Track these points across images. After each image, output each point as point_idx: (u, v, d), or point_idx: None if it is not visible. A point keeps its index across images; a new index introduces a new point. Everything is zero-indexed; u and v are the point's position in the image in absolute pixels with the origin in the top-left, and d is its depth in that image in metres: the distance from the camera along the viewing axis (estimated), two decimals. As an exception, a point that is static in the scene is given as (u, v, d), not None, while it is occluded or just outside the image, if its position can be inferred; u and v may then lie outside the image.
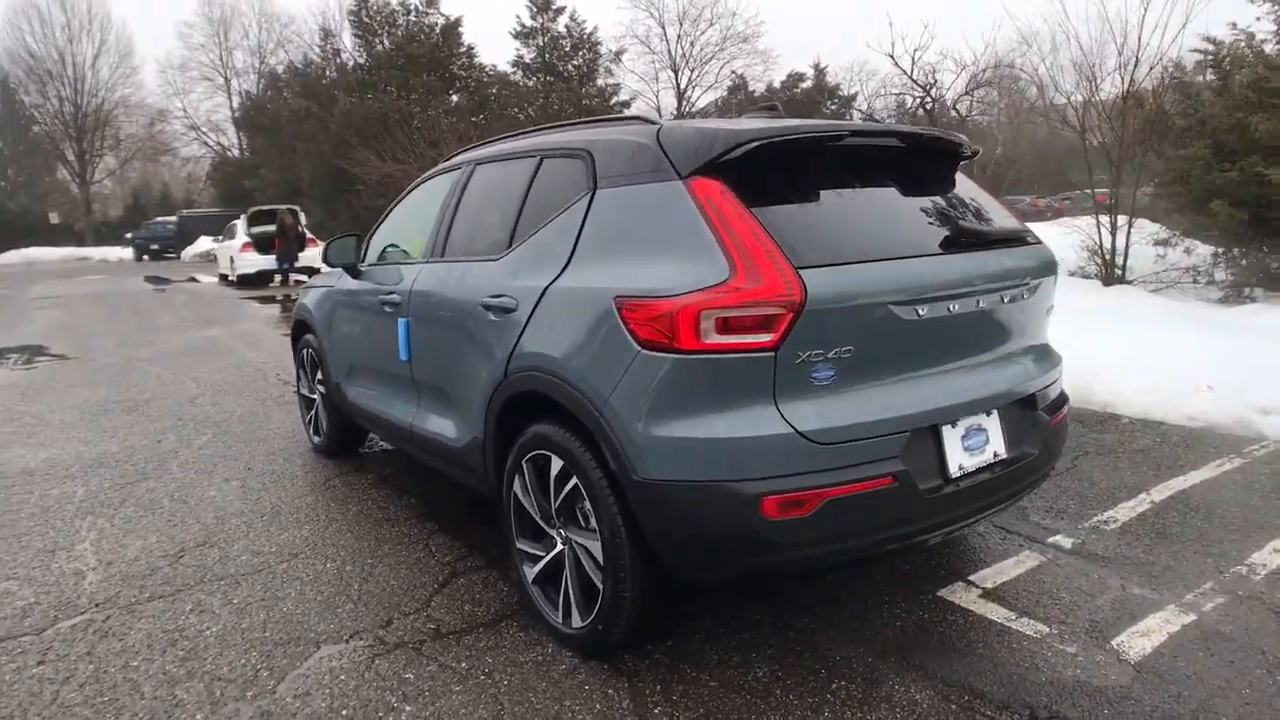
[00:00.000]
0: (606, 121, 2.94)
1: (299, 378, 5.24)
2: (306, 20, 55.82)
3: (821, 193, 2.42)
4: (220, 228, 23.04)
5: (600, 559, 2.44)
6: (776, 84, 39.61)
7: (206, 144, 45.63)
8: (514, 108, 32.70)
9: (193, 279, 21.29)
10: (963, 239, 2.50)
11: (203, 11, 55.64)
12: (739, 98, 40.70)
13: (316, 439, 4.99)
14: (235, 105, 44.19)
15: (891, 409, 2.26)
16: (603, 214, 2.59)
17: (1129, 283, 8.86)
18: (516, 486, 2.80)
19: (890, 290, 2.24)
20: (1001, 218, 2.83)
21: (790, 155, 2.39)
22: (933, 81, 11.37)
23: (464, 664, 2.62)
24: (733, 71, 40.62)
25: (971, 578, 3.09)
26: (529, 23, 32.78)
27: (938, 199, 2.72)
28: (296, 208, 19.93)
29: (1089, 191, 9.40)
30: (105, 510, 4.09)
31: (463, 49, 31.79)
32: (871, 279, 2.23)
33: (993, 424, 2.55)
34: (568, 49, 34.07)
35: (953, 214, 2.62)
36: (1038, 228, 11.24)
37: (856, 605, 2.91)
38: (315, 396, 4.91)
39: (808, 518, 2.14)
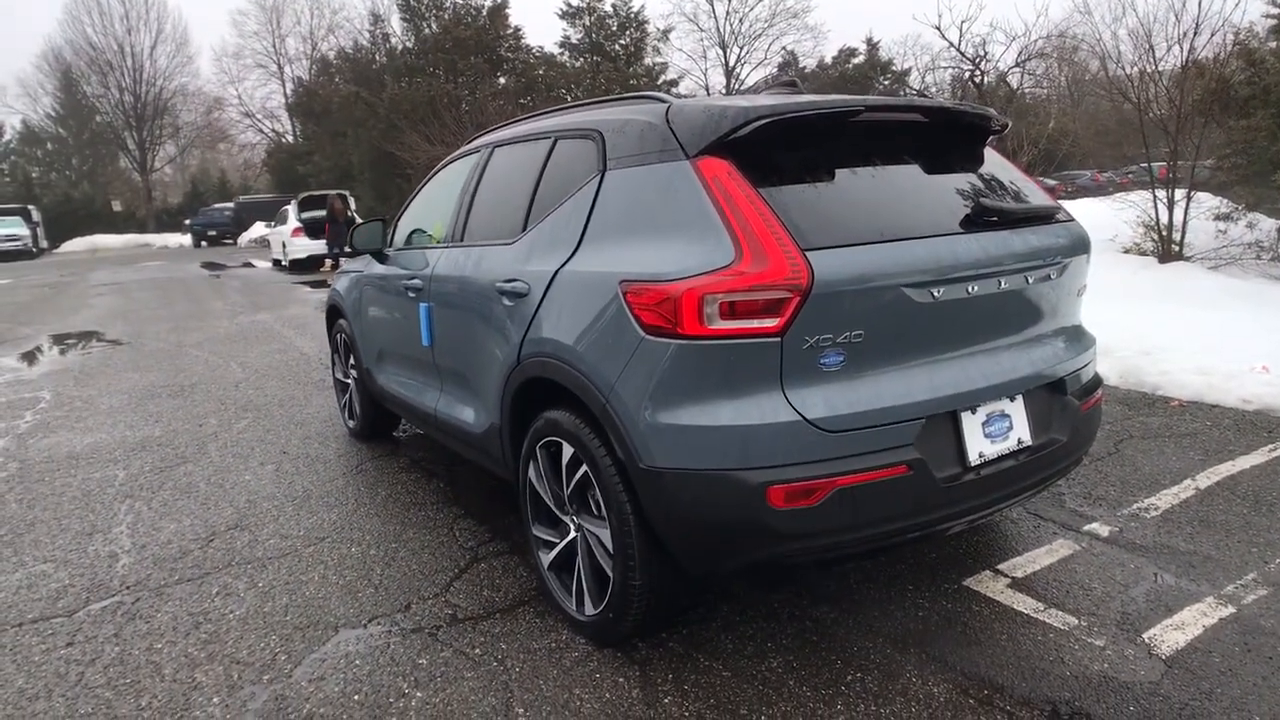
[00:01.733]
0: (618, 101, 2.88)
1: (333, 362, 5.31)
2: (356, 6, 56.34)
3: (835, 171, 2.33)
4: (274, 213, 23.54)
5: (610, 547, 2.41)
6: (828, 59, 38.82)
7: (261, 131, 46.59)
8: (561, 89, 32.63)
9: (248, 264, 21.79)
10: (985, 217, 2.39)
11: (255, -1, 56.71)
12: (789, 75, 39.98)
13: (351, 423, 5.06)
14: (288, 92, 44.96)
15: (905, 395, 2.18)
16: (612, 196, 2.54)
17: (1187, 259, 8.47)
18: (531, 473, 2.79)
19: (903, 272, 2.15)
20: (1030, 194, 2.70)
21: (803, 133, 2.30)
22: (983, 54, 10.97)
23: (478, 650, 2.63)
24: (783, 48, 39.89)
25: (1000, 567, 2.99)
26: (575, 2, 32.62)
27: (962, 175, 2.61)
28: (346, 193, 20.24)
29: (1145, 166, 8.99)
30: (143, 494, 4.21)
31: (509, 30, 31.78)
32: (882, 260, 2.14)
33: (1017, 410, 2.44)
34: (614, 28, 33.84)
35: (976, 191, 2.50)
36: (1096, 203, 10.82)
37: (878, 595, 2.84)
38: (349, 381, 4.97)
39: (816, 507, 2.08)
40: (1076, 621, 2.60)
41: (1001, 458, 2.38)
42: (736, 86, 36.87)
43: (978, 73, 10.93)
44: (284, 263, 19.46)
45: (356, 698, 2.41)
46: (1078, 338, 2.75)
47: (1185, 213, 8.45)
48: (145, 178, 44.65)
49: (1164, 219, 8.55)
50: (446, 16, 30.52)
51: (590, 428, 2.42)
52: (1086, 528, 3.28)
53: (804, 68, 40.28)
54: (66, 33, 43.55)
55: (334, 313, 5.04)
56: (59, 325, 11.09)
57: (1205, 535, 3.16)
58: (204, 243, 34.00)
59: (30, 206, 34.22)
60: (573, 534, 2.65)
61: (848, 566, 3.03)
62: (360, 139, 29.88)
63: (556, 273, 2.59)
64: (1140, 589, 2.79)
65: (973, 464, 2.31)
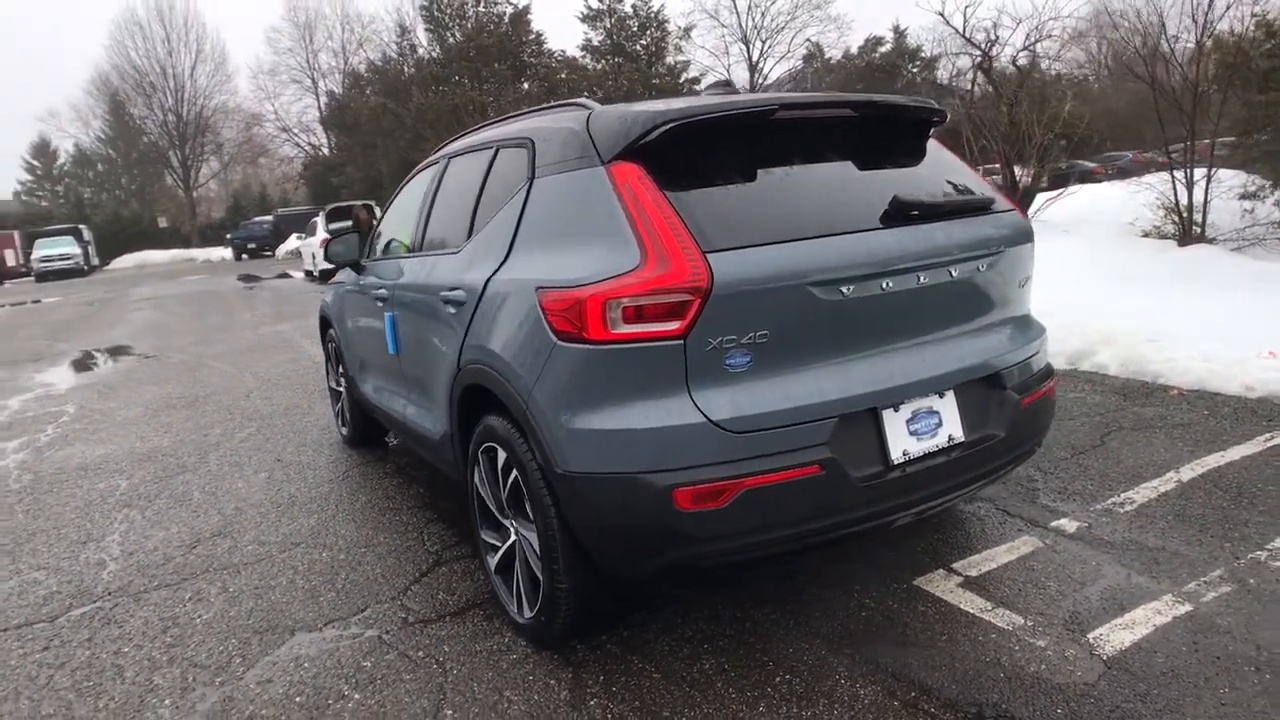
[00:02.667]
0: (552, 109, 2.90)
1: (327, 371, 5.43)
2: (384, 19, 57.33)
3: (749, 171, 2.32)
4: (308, 225, 24.07)
5: (539, 551, 2.44)
6: (853, 49, 38.35)
7: (298, 145, 47.62)
8: (583, 91, 32.83)
9: (283, 275, 22.30)
10: (907, 211, 2.35)
11: (288, 16, 58.07)
12: (815, 66, 39.61)
13: (344, 430, 5.16)
14: (322, 105, 45.89)
15: (816, 394, 2.16)
16: (538, 203, 2.57)
17: (1209, 241, 8.20)
18: (476, 478, 2.83)
19: (807, 271, 2.13)
20: (966, 187, 2.65)
21: (715, 135, 2.30)
22: (994, 38, 10.72)
23: (420, 652, 2.67)
24: (808, 40, 39.49)
25: (955, 565, 2.94)
26: (596, 5, 32.80)
27: (894, 170, 2.58)
28: (372, 203, 20.60)
29: (1167, 146, 8.71)
30: (140, 503, 4.36)
31: (531, 36, 32.11)
32: (785, 260, 2.12)
33: (947, 406, 2.40)
34: (635, 29, 33.94)
35: (902, 185, 2.47)
36: (1114, 187, 10.51)
37: (824, 594, 2.81)
38: (340, 389, 5.08)
39: (725, 509, 2.08)
40: (1022, 621, 2.55)
41: (930, 455, 2.34)
42: (760, 82, 36.61)
43: (985, 58, 10.69)
44: (314, 273, 19.87)
45: (299, 699, 2.48)
46: (1021, 329, 2.69)
47: (1205, 193, 8.17)
48: (189, 194, 45.99)
49: (1184, 200, 8.28)
50: (469, 25, 30.94)
51: (519, 432, 2.44)
52: (1054, 524, 3.21)
53: (829, 59, 39.84)
54: (112, 57, 44.95)
55: (324, 323, 5.15)
56: (94, 340, 11.49)
57: (1178, 530, 3.07)
58: (244, 255, 34.87)
59: (81, 226, 35.49)
60: (512, 538, 2.68)
61: (795, 564, 3.01)
62: (389, 149, 30.43)
63: (488, 281, 2.63)
64: (1097, 587, 2.72)
65: (896, 462, 2.28)
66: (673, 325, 2.05)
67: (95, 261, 36.03)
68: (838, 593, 2.82)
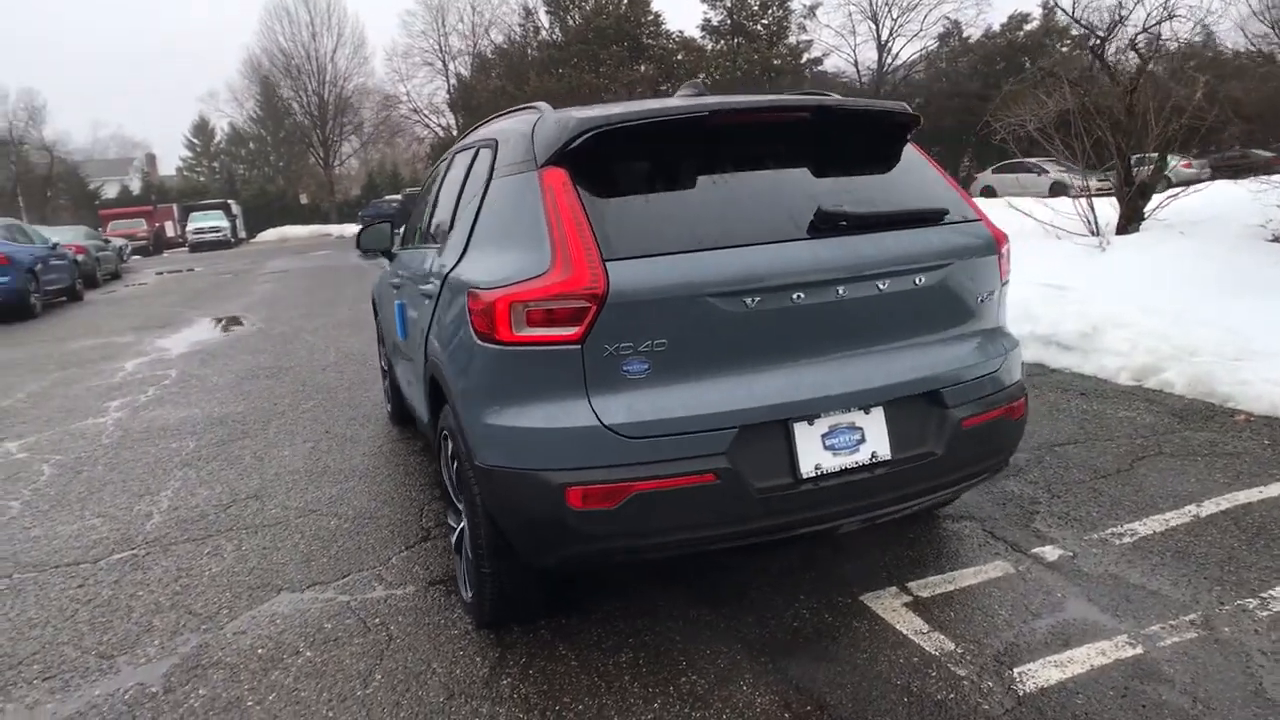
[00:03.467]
0: (518, 111, 2.99)
1: (380, 351, 5.78)
2: (512, 1, 58.74)
3: (674, 179, 2.35)
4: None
5: (469, 535, 2.58)
6: (995, 28, 36.28)
7: (428, 125, 49.74)
8: (700, 73, 32.68)
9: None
10: (835, 222, 2.31)
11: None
12: (950, 46, 37.76)
13: (388, 407, 5.49)
14: (450, 88, 47.73)
15: (716, 404, 2.18)
16: (491, 204, 2.68)
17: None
18: (441, 461, 3.00)
19: (706, 281, 2.14)
20: (924, 195, 2.56)
21: (643, 141, 2.34)
22: (1120, 18, 9.91)
23: (377, 620, 2.87)
24: (944, 17, 37.57)
25: (911, 583, 2.87)
26: (717, -17, 32.48)
27: (849, 177, 2.53)
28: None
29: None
30: (198, 463, 4.82)
31: (650, 17, 32.18)
32: (683, 270, 2.15)
33: (873, 422, 2.35)
34: (756, 7, 33.39)
35: (838, 194, 2.42)
36: (1235, 185, 9.55)
37: (765, 600, 2.82)
38: (384, 368, 5.41)
39: (615, 510, 2.14)
40: (952, 648, 2.48)
41: (848, 470, 2.31)
42: (889, 64, 35.21)
43: (1098, 40, 9.92)
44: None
45: (260, 651, 2.73)
46: (979, 346, 2.59)
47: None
48: (329, 172, 48.94)
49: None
50: (588, 7, 31.24)
51: (457, 424, 2.58)
52: (1036, 550, 3.06)
53: (967, 37, 37.82)
54: (262, 41, 48.35)
55: (374, 305, 5.49)
56: (217, 310, 12.56)
57: (1170, 568, 2.87)
58: (373, 232, 36.73)
59: (230, 201, 38.57)
60: (463, 521, 2.83)
61: (751, 568, 3.01)
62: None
63: (445, 277, 2.77)
64: (1049, 620, 2.60)
65: (807, 476, 2.27)
66: (571, 331, 2.13)
67: (242, 235, 39.07)
68: (780, 600, 2.82)
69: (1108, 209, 9.89)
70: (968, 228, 2.55)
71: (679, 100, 2.57)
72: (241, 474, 4.56)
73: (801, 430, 2.27)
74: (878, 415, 2.36)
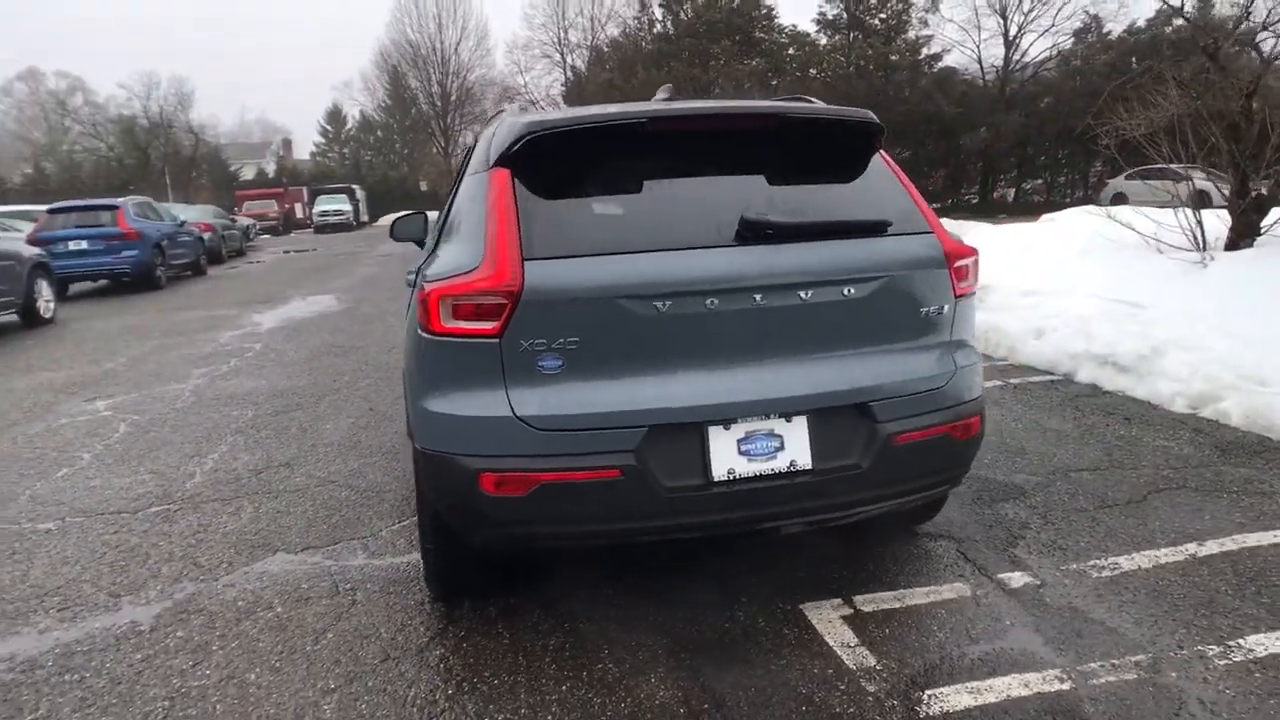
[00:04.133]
0: (503, 113, 3.12)
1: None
2: (633, -7, 59.25)
3: (607, 182, 2.43)
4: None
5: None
6: (1140, 22, 33.84)
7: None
8: (811, 68, 32.12)
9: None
10: (760, 231, 2.33)
11: (546, -8, 61.85)
12: (1086, 42, 35.53)
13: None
14: (566, 80, 48.70)
15: (625, 403, 2.25)
16: (457, 202, 2.85)
17: None
18: None
19: (616, 284, 2.21)
20: (868, 206, 2.53)
21: (582, 145, 2.42)
22: (1245, 11, 9.13)
23: (348, 585, 3.10)
24: (1083, 10, 35.24)
25: (858, 596, 2.85)
26: (834, -26, 31.78)
27: (795, 185, 2.54)
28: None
29: None
30: (251, 431, 5.23)
31: (762, 11, 31.82)
32: (595, 272, 2.22)
33: (794, 431, 2.36)
34: (874, 2, 32.43)
35: (779, 203, 2.43)
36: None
37: (706, 600, 2.86)
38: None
39: (523, 498, 2.25)
40: (872, 664, 2.46)
41: (764, 477, 2.34)
42: (1018, 61, 33.44)
43: (1211, 41, 9.16)
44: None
45: (239, 604, 3.00)
46: (918, 361, 2.53)
47: None
48: (448, 160, 50.93)
49: None
50: (700, 1, 31.15)
51: None
52: (1002, 575, 2.97)
53: (1107, 33, 35.44)
54: (392, 33, 50.85)
55: (418, 292, 5.78)
56: (316, 289, 13.40)
57: (1139, 606, 2.73)
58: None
59: (355, 186, 40.76)
60: (428, 500, 3.01)
61: (710, 567, 3.05)
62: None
63: (419, 270, 2.94)
64: (986, 647, 2.53)
65: (719, 479, 2.31)
66: (490, 325, 2.25)
67: (364, 218, 41.24)
68: (721, 601, 2.85)
69: (1219, 223, 9.17)
70: (913, 240, 2.50)
71: (631, 106, 2.63)
72: (283, 443, 4.93)
73: (716, 434, 2.31)
74: (800, 424, 2.37)
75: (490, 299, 2.23)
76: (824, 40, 31.67)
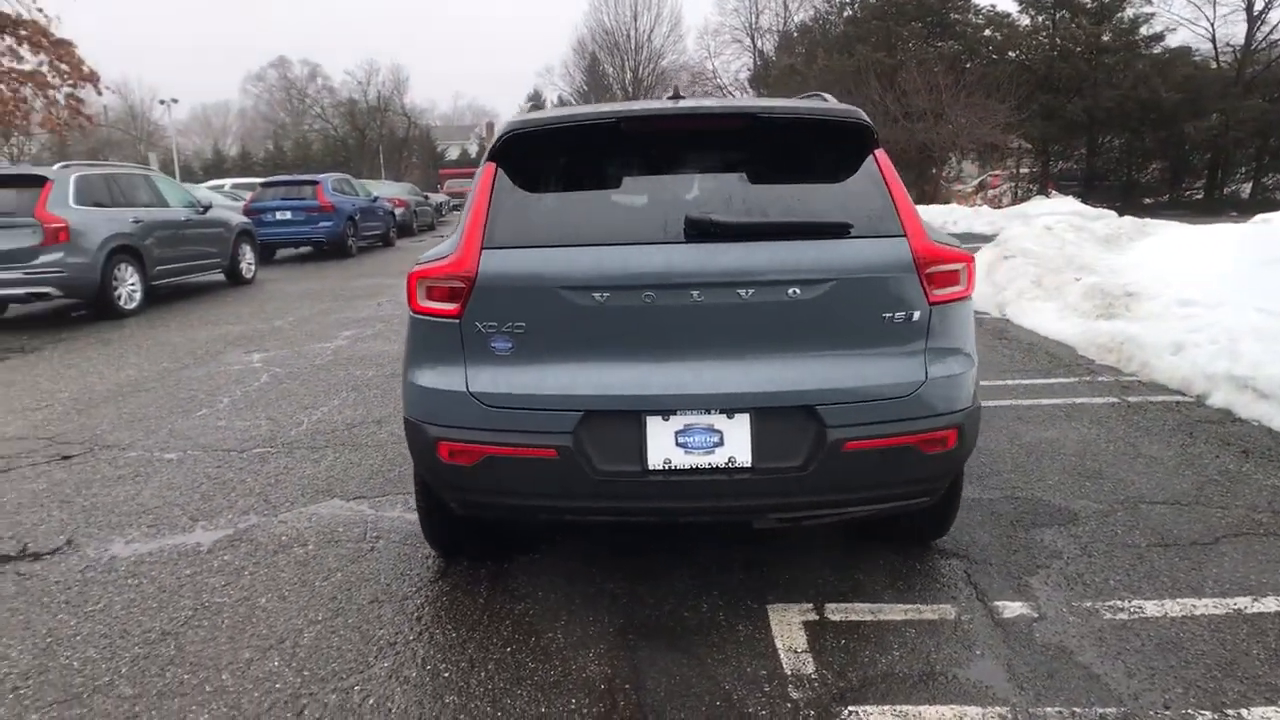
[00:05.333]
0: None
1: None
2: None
3: (572, 178, 2.53)
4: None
5: None
6: None
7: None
8: (1010, 50, 29.78)
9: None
10: (705, 229, 2.33)
11: (738, -23, 61.29)
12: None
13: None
14: (754, 65, 48.21)
15: (563, 387, 2.35)
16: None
17: None
18: None
19: (555, 274, 2.31)
20: (834, 207, 2.46)
21: (557, 142, 2.54)
22: None
23: (375, 533, 3.43)
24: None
25: (831, 604, 2.79)
26: (1040, -52, 29.20)
27: (749, 184, 2.54)
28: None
29: None
30: (362, 389, 5.80)
31: (956, -11, 29.84)
32: (538, 262, 2.33)
33: (735, 428, 2.37)
34: (1089, -23, 29.47)
35: (738, 200, 2.41)
36: None
37: (683, 587, 2.90)
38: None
39: (471, 468, 2.43)
40: (809, 673, 2.42)
41: (700, 470, 2.36)
42: (1261, 41, 29.15)
43: None
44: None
45: (283, 538, 3.41)
46: (879, 368, 2.42)
47: None
48: (635, 144, 52.13)
49: None
50: (889, -20, 29.72)
51: None
52: (999, 603, 2.79)
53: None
54: (589, 21, 52.61)
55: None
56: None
57: (1140, 657, 2.48)
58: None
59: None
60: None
61: (702, 560, 3.09)
62: (791, 111, 31.05)
63: (440, 253, 3.18)
64: (938, 673, 2.41)
65: (654, 468, 2.36)
66: (451, 306, 2.43)
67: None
68: (695, 591, 2.88)
69: None
70: (877, 244, 2.40)
71: (614, 106, 2.72)
72: (385, 402, 5.43)
73: (654, 424, 2.36)
74: (742, 421, 2.36)
75: (452, 283, 2.42)
76: (1025, 20, 29.18)
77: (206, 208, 10.80)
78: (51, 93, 20.63)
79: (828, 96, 2.90)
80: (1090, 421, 4.74)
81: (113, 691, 2.39)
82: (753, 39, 49.40)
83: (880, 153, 2.62)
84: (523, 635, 2.65)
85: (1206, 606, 2.75)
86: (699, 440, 2.37)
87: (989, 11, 29.51)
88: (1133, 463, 4.06)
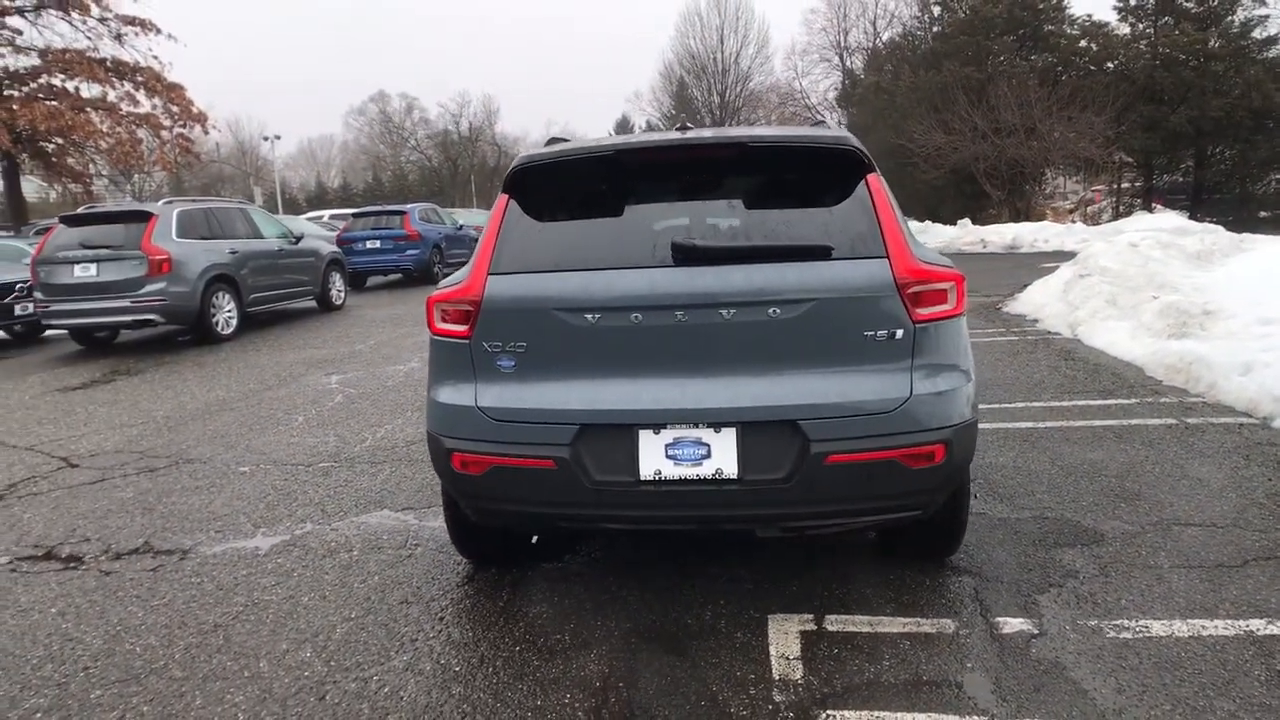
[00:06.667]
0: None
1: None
2: (918, -7, 56.38)
3: (574, 207, 2.73)
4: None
5: None
6: None
7: (818, 121, 50.07)
8: (1108, 61, 28.64)
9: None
10: (689, 253, 2.48)
11: (828, -3, 61.08)
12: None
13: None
14: (842, 84, 47.75)
15: (561, 402, 2.54)
16: None
17: None
18: None
19: (549, 297, 2.51)
20: (817, 232, 2.58)
21: (561, 174, 2.75)
22: None
23: (415, 541, 3.69)
24: None
25: (831, 616, 2.86)
26: (1142, -44, 28.05)
27: (739, 210, 2.70)
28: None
29: None
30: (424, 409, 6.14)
31: (1051, 1, 28.92)
32: (535, 286, 2.54)
33: (722, 441, 2.50)
34: (1195, -18, 28.13)
35: (726, 226, 2.56)
36: None
37: (691, 596, 3.03)
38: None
39: (480, 476, 2.65)
40: (794, 678, 2.51)
41: (689, 481, 2.50)
42: None
43: None
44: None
45: (332, 544, 3.71)
46: (862, 384, 2.50)
47: None
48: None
49: None
50: (978, -4, 29.05)
51: None
52: (1001, 619, 2.80)
53: None
54: (675, 47, 53.28)
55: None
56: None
57: (1134, 675, 2.47)
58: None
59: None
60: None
61: (711, 570, 3.21)
62: (878, 131, 30.69)
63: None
64: (921, 683, 2.46)
65: (645, 478, 2.52)
66: (462, 328, 2.66)
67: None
68: (702, 600, 3.00)
69: None
70: (858, 265, 2.49)
71: (619, 139, 2.91)
72: (443, 421, 5.75)
73: (646, 437, 2.52)
74: (729, 435, 2.49)
75: (462, 306, 2.66)
76: (1124, 30, 28.01)
77: (299, 238, 11.58)
78: (164, 133, 22.53)
79: (842, 124, 3.01)
80: (1142, 443, 4.61)
81: (166, 674, 2.70)
82: (841, 58, 49.03)
83: (873, 177, 2.72)
84: (533, 636, 2.84)
85: (1216, 628, 2.69)
86: (688, 453, 2.51)
87: (1085, 22, 28.45)
88: (1176, 485, 3.94)
